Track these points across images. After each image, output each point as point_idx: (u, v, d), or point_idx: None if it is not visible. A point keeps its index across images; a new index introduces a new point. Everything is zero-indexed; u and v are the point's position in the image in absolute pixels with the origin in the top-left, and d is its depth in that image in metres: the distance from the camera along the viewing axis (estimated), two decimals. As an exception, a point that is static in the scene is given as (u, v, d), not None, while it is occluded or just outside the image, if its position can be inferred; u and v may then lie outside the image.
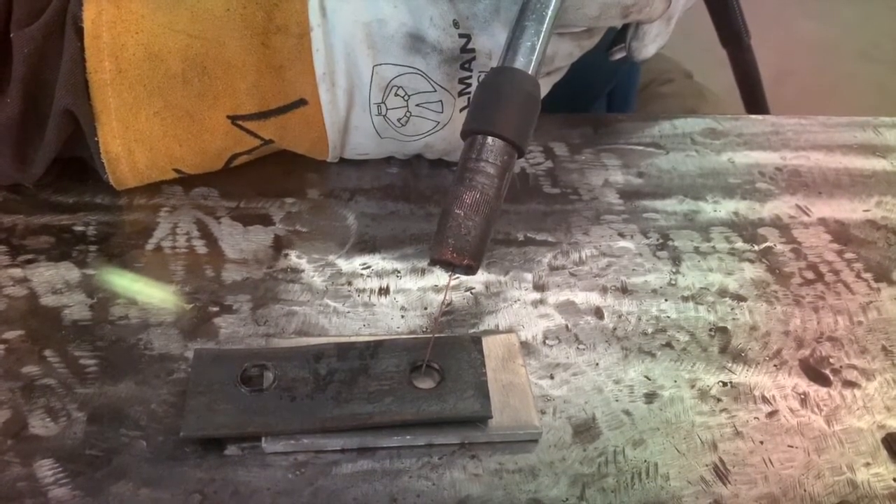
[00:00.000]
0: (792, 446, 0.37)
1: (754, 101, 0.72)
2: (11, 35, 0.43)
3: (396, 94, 0.45)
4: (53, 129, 0.44)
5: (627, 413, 0.38)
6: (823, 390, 0.40)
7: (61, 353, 0.39)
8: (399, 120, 0.46)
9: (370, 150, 0.49)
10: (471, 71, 0.45)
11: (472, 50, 0.45)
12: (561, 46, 0.46)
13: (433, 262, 0.36)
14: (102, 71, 0.43)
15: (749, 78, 0.71)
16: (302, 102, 0.45)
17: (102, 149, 0.44)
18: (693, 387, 0.40)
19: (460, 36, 0.44)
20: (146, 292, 0.42)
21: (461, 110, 0.47)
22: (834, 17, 2.07)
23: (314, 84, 0.45)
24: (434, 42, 0.44)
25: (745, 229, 0.49)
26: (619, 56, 0.51)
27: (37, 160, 0.45)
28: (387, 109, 0.46)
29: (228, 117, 0.45)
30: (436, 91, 0.45)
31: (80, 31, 0.42)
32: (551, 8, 0.40)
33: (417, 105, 0.46)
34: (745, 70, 0.71)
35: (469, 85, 0.46)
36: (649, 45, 0.49)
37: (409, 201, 0.49)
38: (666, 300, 0.44)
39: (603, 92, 0.75)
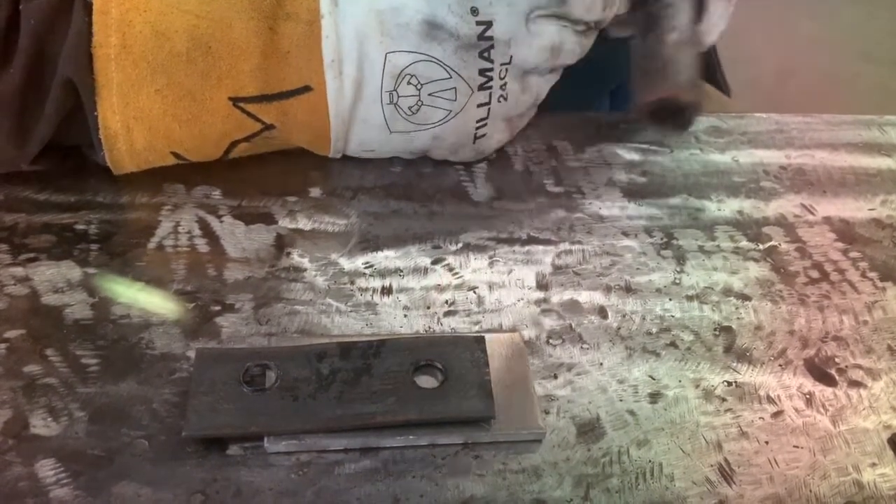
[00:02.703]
0: (797, 446, 0.37)
1: None
2: (20, 6, 0.43)
3: (409, 83, 0.45)
4: (53, 100, 0.43)
5: (632, 413, 0.38)
6: (829, 390, 0.40)
7: (63, 353, 0.39)
8: (410, 108, 0.46)
9: (376, 147, 0.49)
10: (491, 62, 0.45)
11: (490, 38, 0.44)
12: (567, 37, 0.46)
13: (647, 106, 0.35)
14: (108, 46, 0.43)
15: None
16: (307, 89, 0.45)
17: (101, 124, 0.44)
18: (698, 386, 0.40)
19: (478, 24, 0.44)
20: (148, 291, 0.42)
21: (478, 106, 0.46)
22: (835, 17, 2.06)
23: (321, 71, 0.44)
24: (451, 29, 0.44)
25: (750, 228, 0.49)
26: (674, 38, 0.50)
27: (34, 135, 0.44)
28: (398, 97, 0.46)
29: (230, 99, 0.45)
30: (451, 78, 0.45)
31: (88, 7, 0.42)
32: None
33: (430, 94, 0.46)
34: None
35: (490, 78, 0.46)
36: (713, 29, 0.48)
37: (412, 200, 0.49)
38: (670, 299, 0.44)
39: (606, 90, 0.75)
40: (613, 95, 0.77)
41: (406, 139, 0.48)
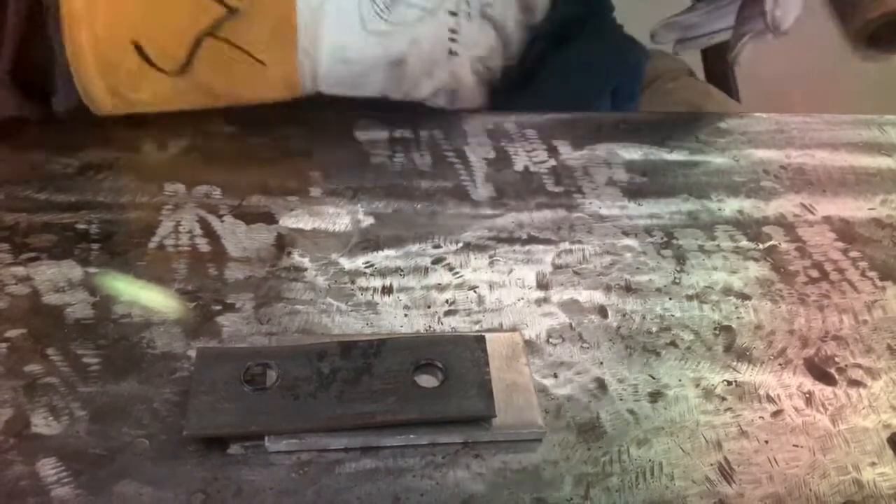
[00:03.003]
0: (797, 446, 0.37)
1: None
2: None
3: None
4: None
5: (632, 412, 0.38)
6: (828, 389, 0.40)
7: (64, 352, 0.39)
8: (386, 5, 0.46)
9: (353, 53, 0.48)
10: None
11: None
12: None
13: (864, 31, 0.33)
14: None
15: None
16: None
17: (64, 6, 0.44)
18: (698, 386, 0.40)
19: None
20: (148, 290, 0.42)
21: (449, 14, 0.47)
22: (836, 17, 2.06)
23: None
24: None
25: (750, 228, 0.49)
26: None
27: (5, 32, 0.45)
28: None
29: None
30: None
31: None
32: None
33: None
34: None
35: None
36: (789, 13, 0.48)
37: (412, 199, 0.49)
38: (670, 299, 0.44)
39: (606, 90, 0.75)
40: (613, 95, 0.77)
41: (383, 42, 0.48)
